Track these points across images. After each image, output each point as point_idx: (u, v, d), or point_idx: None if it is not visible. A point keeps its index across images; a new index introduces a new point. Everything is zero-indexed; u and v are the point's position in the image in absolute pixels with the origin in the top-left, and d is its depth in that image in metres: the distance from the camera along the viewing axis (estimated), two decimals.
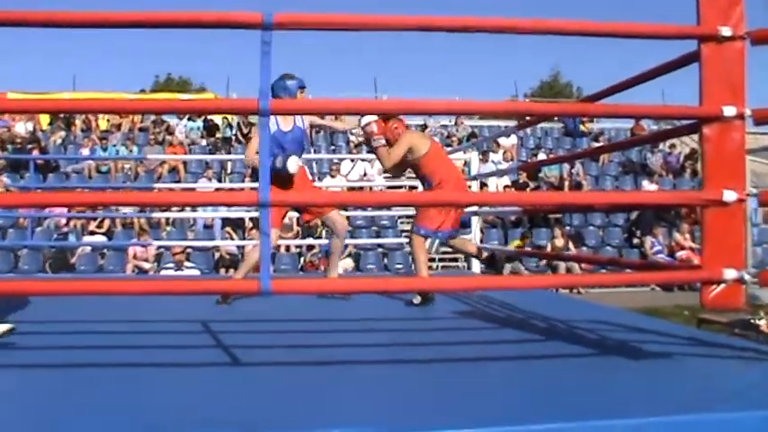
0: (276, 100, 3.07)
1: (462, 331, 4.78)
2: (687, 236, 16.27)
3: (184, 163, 18.06)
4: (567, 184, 18.19)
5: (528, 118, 6.30)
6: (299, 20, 3.12)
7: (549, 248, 15.52)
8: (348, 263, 15.11)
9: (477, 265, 8.80)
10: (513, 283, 5.83)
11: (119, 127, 20.78)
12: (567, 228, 17.12)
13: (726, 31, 3.23)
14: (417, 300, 6.06)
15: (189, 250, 14.76)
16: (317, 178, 17.89)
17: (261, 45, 3.04)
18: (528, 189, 17.15)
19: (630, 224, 17.62)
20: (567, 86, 48.78)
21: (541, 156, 19.53)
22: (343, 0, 25.08)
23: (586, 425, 2.47)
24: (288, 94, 6.12)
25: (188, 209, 15.39)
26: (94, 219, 15.06)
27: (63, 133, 19.72)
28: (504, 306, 5.68)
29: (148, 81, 46.95)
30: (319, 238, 14.47)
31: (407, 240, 6.64)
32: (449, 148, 14.55)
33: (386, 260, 15.90)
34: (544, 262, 16.16)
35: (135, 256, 14.48)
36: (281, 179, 5.88)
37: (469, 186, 10.39)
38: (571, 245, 15.84)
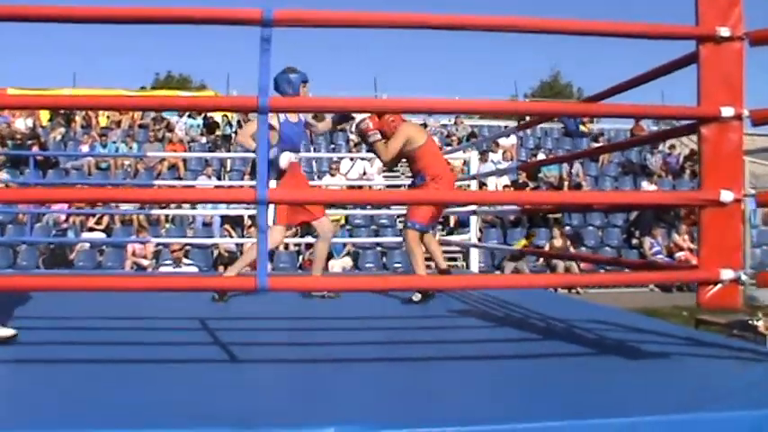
0: (275, 97, 3.06)
1: (460, 330, 4.79)
2: (686, 237, 16.27)
3: (184, 160, 18.06)
4: (566, 184, 18.18)
5: (528, 118, 6.30)
6: (298, 17, 3.13)
7: (547, 249, 15.51)
8: (347, 261, 15.13)
9: (475, 265, 8.82)
10: (510, 282, 5.83)
11: (119, 124, 20.78)
12: (567, 228, 17.11)
13: (724, 32, 3.24)
14: (417, 297, 6.06)
15: (188, 248, 14.75)
16: (316, 177, 17.90)
17: (260, 42, 3.04)
18: (527, 189, 17.14)
19: (629, 225, 17.62)
20: (567, 87, 48.76)
21: (541, 156, 19.53)
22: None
23: (583, 423, 2.47)
24: (291, 87, 6.12)
25: (187, 206, 15.41)
26: (93, 215, 15.07)
27: (63, 130, 19.72)
28: (503, 305, 5.68)
29: (149, 78, 46.86)
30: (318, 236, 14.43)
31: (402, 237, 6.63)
32: (448, 148, 14.63)
33: (384, 259, 15.89)
34: (542, 262, 16.16)
35: (134, 253, 14.47)
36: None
37: (468, 186, 10.43)
38: (570, 245, 15.84)
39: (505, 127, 19.88)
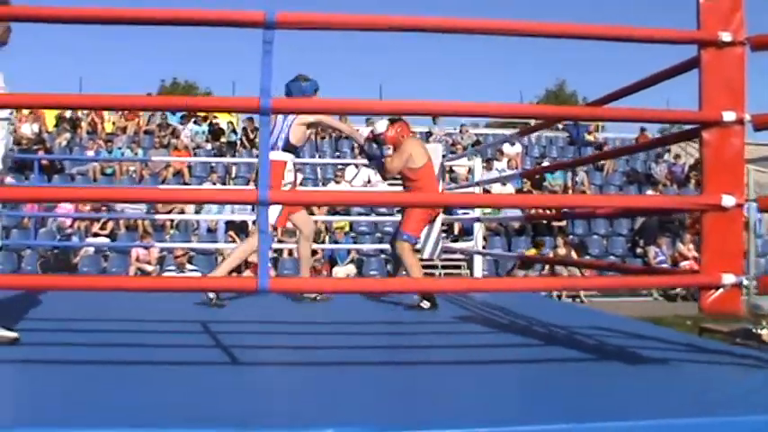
0: (277, 99, 3.05)
1: (462, 335, 4.79)
2: (691, 246, 16.21)
3: (189, 166, 18.07)
4: (570, 192, 18.17)
5: (533, 123, 6.32)
6: (300, 19, 3.13)
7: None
8: (351, 269, 15.12)
9: (479, 272, 8.81)
10: (508, 285, 5.83)
11: (124, 130, 20.80)
12: (571, 237, 17.09)
13: (726, 37, 3.24)
14: (426, 305, 6.06)
15: (191, 253, 14.75)
16: (320, 183, 17.90)
17: (262, 44, 3.05)
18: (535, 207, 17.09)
19: (634, 234, 17.59)
20: (572, 96, 48.76)
21: (546, 164, 19.52)
22: (348, 3, 25.58)
23: (583, 426, 2.47)
24: (303, 96, 6.21)
25: (191, 211, 15.42)
26: (98, 221, 15.08)
27: (68, 135, 19.72)
28: (505, 312, 5.69)
29: (154, 85, 46.92)
30: (322, 243, 14.47)
31: (391, 248, 6.71)
32: (452, 155, 14.63)
33: (389, 266, 15.87)
34: (548, 270, 16.13)
35: (137, 259, 14.46)
36: None
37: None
38: (574, 254, 15.81)
39: (510, 135, 19.88)
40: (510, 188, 17.82)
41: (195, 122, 20.69)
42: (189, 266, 13.61)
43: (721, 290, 3.24)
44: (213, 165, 18.03)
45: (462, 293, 6.76)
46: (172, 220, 15.64)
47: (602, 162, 20.75)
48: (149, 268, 14.31)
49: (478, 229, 9.69)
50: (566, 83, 50.04)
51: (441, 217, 8.59)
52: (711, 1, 3.29)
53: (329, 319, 5.37)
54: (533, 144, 23.09)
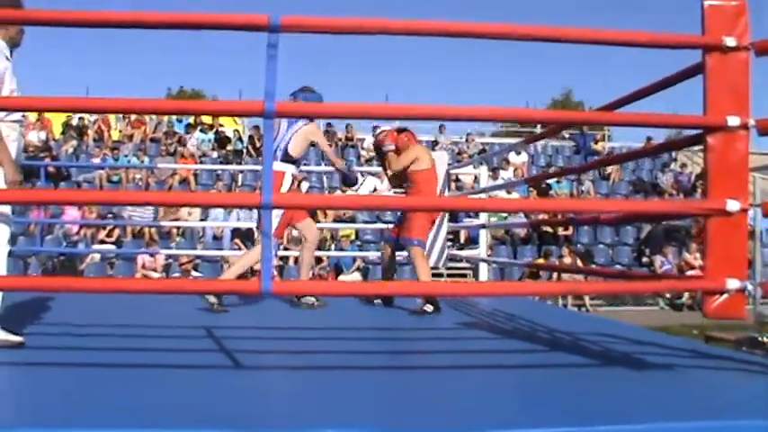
0: (282, 102, 3.06)
1: (465, 340, 4.79)
2: (697, 255, 16.16)
3: (195, 174, 18.08)
4: None
5: (539, 129, 6.34)
6: (305, 23, 3.14)
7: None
8: (356, 277, 15.11)
9: (485, 279, 8.81)
10: (513, 290, 5.84)
11: (131, 137, 20.83)
12: (577, 246, 17.06)
13: (731, 42, 3.24)
14: (430, 308, 6.12)
15: (197, 261, 14.78)
16: (326, 192, 17.90)
17: (267, 48, 3.05)
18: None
19: (640, 243, 17.55)
20: (578, 106, 48.76)
21: None
22: (352, 8, 25.49)
23: (585, 430, 2.46)
24: (318, 97, 6.32)
25: (197, 219, 15.43)
26: (104, 227, 15.11)
27: (75, 143, 19.78)
28: (510, 318, 5.69)
29: (161, 93, 47.00)
30: (328, 250, 14.47)
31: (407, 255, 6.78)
32: (458, 164, 14.63)
33: (395, 276, 15.84)
34: (555, 278, 16.10)
35: (143, 266, 14.49)
36: None
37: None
38: (579, 263, 15.78)
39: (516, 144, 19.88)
40: (516, 197, 17.80)
41: (201, 130, 20.71)
42: (194, 273, 13.64)
43: (726, 295, 3.24)
44: (219, 172, 18.04)
45: (465, 298, 6.80)
46: (178, 228, 15.67)
47: (608, 171, 20.74)
48: (155, 275, 14.32)
49: (484, 237, 9.67)
50: (572, 93, 50.10)
51: (446, 225, 8.60)
52: (716, 6, 3.29)
53: (331, 324, 5.37)
54: (539, 153, 23.09)
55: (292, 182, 6.39)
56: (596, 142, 23.07)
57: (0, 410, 2.65)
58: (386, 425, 2.52)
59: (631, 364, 3.82)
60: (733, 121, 3.22)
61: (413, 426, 2.53)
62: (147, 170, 17.77)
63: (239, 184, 18.55)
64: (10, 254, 4.04)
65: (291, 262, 14.98)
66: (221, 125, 21.35)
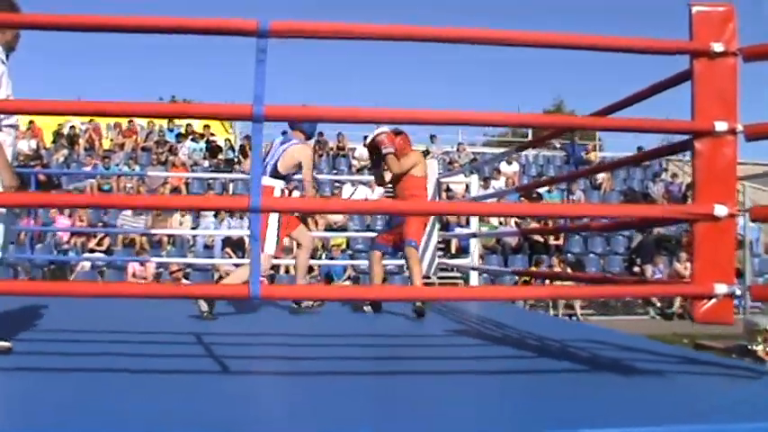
0: (270, 105, 3.05)
1: (455, 347, 4.78)
2: (687, 264, 16.18)
3: (186, 184, 18.09)
4: None
5: (530, 136, 6.37)
6: (294, 28, 3.14)
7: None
8: (347, 286, 15.11)
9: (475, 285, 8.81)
10: (501, 294, 5.86)
11: (122, 146, 20.83)
12: (568, 255, 17.08)
13: (718, 47, 3.25)
14: (420, 305, 6.32)
15: (188, 270, 14.78)
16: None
17: (256, 52, 3.05)
18: (528, 217, 17.10)
19: (631, 252, 17.58)
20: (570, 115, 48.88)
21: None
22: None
23: None
24: (312, 128, 6.75)
25: (188, 227, 15.43)
26: (95, 236, 15.10)
27: (66, 152, 19.76)
28: (499, 326, 5.69)
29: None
30: (319, 259, 14.47)
31: (404, 259, 6.83)
32: (449, 173, 14.64)
33: (386, 284, 15.84)
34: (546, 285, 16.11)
35: (134, 274, 14.47)
36: None
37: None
38: (570, 273, 15.81)
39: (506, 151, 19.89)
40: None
41: (193, 140, 20.74)
42: (185, 282, 13.63)
43: (714, 300, 3.24)
44: (210, 182, 18.05)
45: (456, 303, 6.85)
46: (169, 236, 15.65)
47: (599, 181, 20.79)
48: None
49: (475, 246, 9.68)
50: (564, 103, 50.18)
51: (436, 234, 8.63)
52: (703, 12, 3.31)
53: (321, 331, 5.37)
54: (531, 163, 23.15)
55: (281, 195, 6.46)
56: (588, 152, 23.11)
57: None
58: (376, 430, 2.52)
59: (619, 369, 3.82)
60: (721, 126, 3.23)
61: (402, 431, 2.53)
62: (138, 179, 17.75)
63: (230, 192, 18.54)
64: (0, 262, 4.03)
65: (282, 271, 14.99)
66: (213, 134, 21.38)
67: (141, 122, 21.51)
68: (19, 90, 4.03)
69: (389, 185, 7.07)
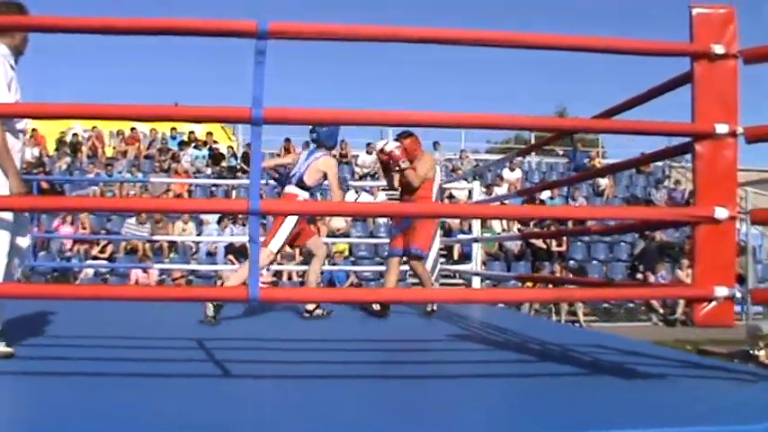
0: (269, 108, 3.05)
1: (459, 352, 4.78)
2: (689, 272, 16.16)
3: (189, 191, 18.11)
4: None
5: (533, 140, 6.39)
6: (293, 29, 3.13)
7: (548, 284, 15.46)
8: (348, 289, 15.10)
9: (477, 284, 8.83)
10: (502, 296, 5.85)
11: (125, 154, 20.85)
12: (571, 262, 17.06)
13: (719, 50, 3.24)
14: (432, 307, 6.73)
15: (190, 277, 14.79)
16: None
17: (255, 54, 3.04)
18: (531, 224, 17.10)
19: (634, 259, 17.56)
20: None
21: (546, 191, 19.48)
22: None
23: None
24: (331, 137, 6.74)
25: (191, 234, 15.44)
26: (97, 243, 15.11)
27: (69, 159, 19.78)
28: (502, 331, 5.68)
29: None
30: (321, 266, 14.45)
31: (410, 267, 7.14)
32: (451, 179, 14.64)
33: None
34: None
35: (137, 281, 14.48)
36: None
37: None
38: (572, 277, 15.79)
39: (511, 161, 19.90)
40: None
41: (195, 147, 20.77)
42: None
43: (714, 303, 3.23)
44: (213, 189, 18.06)
45: (459, 306, 6.90)
46: (171, 244, 15.65)
47: (601, 188, 20.78)
48: None
49: (477, 251, 9.67)
50: (566, 111, 50.13)
51: (438, 240, 8.65)
52: (704, 14, 3.30)
53: (329, 335, 5.41)
54: (533, 170, 23.16)
55: None
56: (591, 159, 23.13)
57: None
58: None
59: (622, 373, 3.81)
60: (721, 128, 3.22)
61: None
62: (141, 186, 17.76)
63: (233, 199, 18.54)
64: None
65: (285, 277, 15.00)
66: (215, 142, 21.41)
67: (144, 130, 21.55)
68: (28, 94, 4.04)
69: (394, 190, 7.22)
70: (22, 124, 4.04)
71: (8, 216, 3.83)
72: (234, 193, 18.48)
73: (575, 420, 2.67)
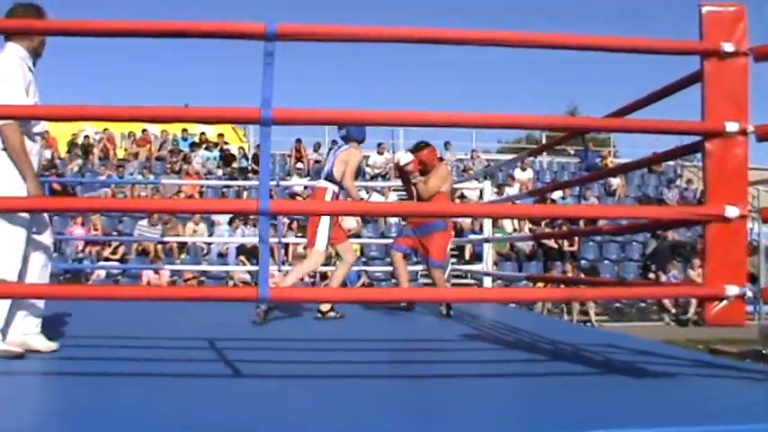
0: (278, 109, 3.05)
1: (470, 351, 4.78)
2: (700, 271, 16.10)
3: (200, 193, 18.14)
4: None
5: (545, 138, 6.41)
6: (301, 31, 3.14)
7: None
8: (358, 289, 15.09)
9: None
10: (515, 296, 5.87)
11: (136, 156, 20.90)
12: (583, 261, 17.03)
13: (729, 47, 3.23)
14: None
15: (202, 278, 14.81)
16: None
17: (264, 56, 3.05)
18: (542, 223, 17.08)
19: (646, 259, 17.51)
20: None
21: (558, 191, 19.45)
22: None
23: None
24: (360, 134, 6.84)
25: (203, 235, 15.46)
26: (109, 244, 15.16)
27: (80, 161, 19.84)
28: (516, 330, 5.69)
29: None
30: (333, 266, 14.44)
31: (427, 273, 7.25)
32: (463, 178, 14.63)
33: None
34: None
35: (148, 283, 14.50)
36: None
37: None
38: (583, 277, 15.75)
39: (522, 161, 19.89)
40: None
41: (206, 148, 20.80)
42: None
43: (725, 301, 3.21)
44: (224, 190, 18.09)
45: (471, 306, 6.95)
46: (182, 245, 15.68)
47: (613, 187, 20.73)
48: None
49: (488, 251, 9.65)
50: (577, 110, 50.01)
51: (450, 241, 8.69)
52: (714, 12, 3.29)
53: (341, 335, 5.41)
54: (545, 170, 23.11)
55: (333, 197, 6.63)
56: (603, 159, 23.08)
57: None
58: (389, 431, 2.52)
59: (633, 372, 3.81)
60: (731, 126, 3.20)
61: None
62: (153, 188, 17.81)
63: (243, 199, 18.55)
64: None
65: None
66: (226, 143, 21.44)
67: (155, 132, 21.60)
68: (46, 96, 4.07)
69: (412, 199, 7.34)
70: (39, 127, 4.06)
71: (26, 216, 3.86)
72: (245, 194, 18.48)
73: (586, 420, 2.67)
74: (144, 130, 21.38)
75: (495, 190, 15.58)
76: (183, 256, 15.85)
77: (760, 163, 18.85)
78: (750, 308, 11.08)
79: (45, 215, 4.23)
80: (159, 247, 15.51)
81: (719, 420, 2.64)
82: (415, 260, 8.53)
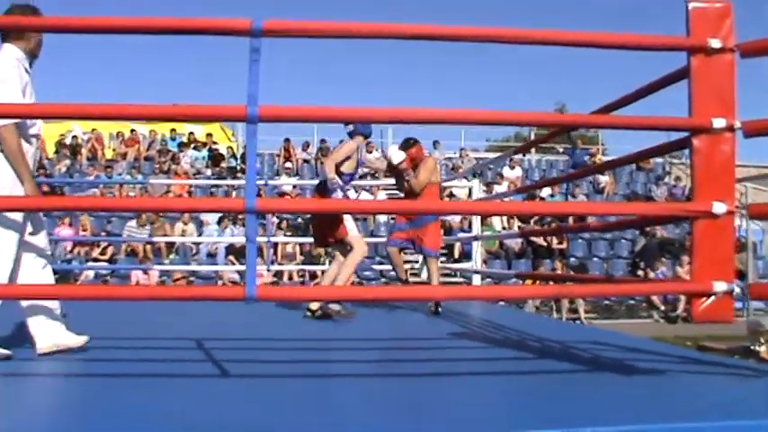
0: (264, 106, 3.04)
1: (460, 349, 4.79)
2: (688, 268, 16.12)
3: (189, 192, 18.09)
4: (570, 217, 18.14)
5: (533, 135, 6.44)
6: (287, 27, 3.13)
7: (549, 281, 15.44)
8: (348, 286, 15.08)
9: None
10: (503, 293, 5.87)
11: (124, 156, 20.82)
12: (572, 259, 17.05)
13: (715, 44, 3.23)
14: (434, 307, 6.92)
15: (191, 278, 14.78)
16: None
17: (250, 52, 3.04)
18: (532, 221, 17.09)
19: (635, 256, 17.54)
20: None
21: (546, 189, 19.47)
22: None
23: None
24: (368, 129, 6.90)
25: (192, 235, 15.42)
26: (98, 245, 15.11)
27: (68, 162, 19.76)
28: (505, 328, 5.69)
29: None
30: (323, 265, 14.45)
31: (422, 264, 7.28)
32: (452, 177, 14.64)
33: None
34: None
35: (137, 283, 14.45)
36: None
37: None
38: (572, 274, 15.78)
39: (511, 159, 19.90)
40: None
41: (195, 148, 20.74)
42: None
43: (713, 298, 3.21)
44: (213, 190, 18.05)
45: (460, 304, 6.96)
46: (171, 245, 15.64)
47: (601, 185, 20.76)
48: None
49: (477, 249, 9.66)
50: (565, 108, 50.07)
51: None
52: (700, 8, 3.29)
53: (330, 335, 5.43)
54: (534, 168, 23.13)
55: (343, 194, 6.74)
56: (591, 156, 23.11)
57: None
58: (379, 429, 2.52)
59: (621, 369, 3.81)
60: (718, 122, 3.21)
61: (405, 430, 2.52)
62: (141, 188, 17.76)
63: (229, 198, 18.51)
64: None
65: (285, 278, 14.99)
66: (215, 143, 21.38)
67: (144, 132, 21.53)
68: (42, 97, 4.06)
69: (397, 188, 7.60)
70: (35, 129, 4.06)
71: (18, 219, 3.84)
72: (234, 193, 18.44)
73: (575, 417, 2.66)
74: (132, 130, 21.31)
75: (484, 188, 15.57)
76: (172, 256, 15.81)
77: (747, 160, 18.95)
78: (738, 304, 11.13)
79: (41, 215, 4.22)
80: (148, 247, 15.47)
81: (707, 417, 2.64)
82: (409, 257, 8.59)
